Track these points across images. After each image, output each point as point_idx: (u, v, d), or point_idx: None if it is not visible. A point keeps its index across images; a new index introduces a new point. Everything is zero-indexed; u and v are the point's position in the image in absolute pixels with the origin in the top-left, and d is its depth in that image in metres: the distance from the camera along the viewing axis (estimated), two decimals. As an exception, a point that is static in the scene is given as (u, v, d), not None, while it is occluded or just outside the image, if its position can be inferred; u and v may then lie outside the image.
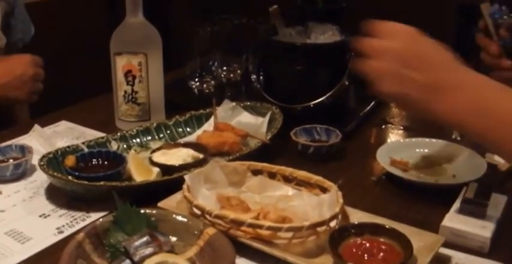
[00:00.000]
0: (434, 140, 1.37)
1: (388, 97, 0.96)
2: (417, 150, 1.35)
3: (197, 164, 1.23)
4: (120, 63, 1.44)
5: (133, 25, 1.44)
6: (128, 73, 1.44)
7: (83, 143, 1.29)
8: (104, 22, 1.67)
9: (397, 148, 1.34)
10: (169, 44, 1.53)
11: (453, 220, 1.07)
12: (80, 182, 1.14)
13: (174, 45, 1.51)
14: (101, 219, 1.00)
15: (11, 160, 1.27)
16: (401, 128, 1.54)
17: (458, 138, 1.46)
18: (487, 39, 1.29)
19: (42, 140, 1.39)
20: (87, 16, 2.62)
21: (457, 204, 1.11)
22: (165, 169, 1.21)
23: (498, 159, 1.32)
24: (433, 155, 1.34)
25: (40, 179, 1.25)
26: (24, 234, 1.07)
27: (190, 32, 1.66)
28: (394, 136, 1.52)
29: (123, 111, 1.48)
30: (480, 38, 1.31)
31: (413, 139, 1.39)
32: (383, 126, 1.55)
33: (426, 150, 1.35)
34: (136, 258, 0.91)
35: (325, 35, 1.49)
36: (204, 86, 1.67)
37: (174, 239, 0.99)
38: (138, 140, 1.37)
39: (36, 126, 1.44)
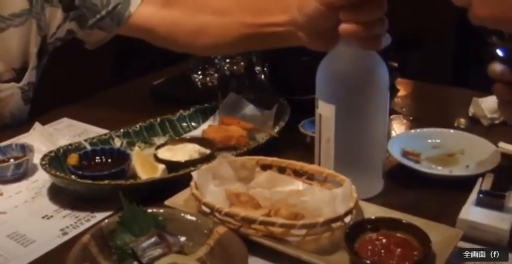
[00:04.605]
0: (445, 130, 1.34)
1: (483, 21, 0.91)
2: (429, 140, 1.32)
3: (204, 159, 1.20)
4: None
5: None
6: None
7: (85, 141, 1.26)
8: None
9: (408, 139, 1.31)
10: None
11: (470, 213, 1.03)
12: (84, 181, 1.11)
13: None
14: (106, 220, 0.97)
15: (12, 160, 1.23)
16: (411, 118, 1.51)
17: (462, 126, 1.43)
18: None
19: (43, 138, 1.35)
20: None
21: (473, 196, 1.07)
22: (171, 165, 1.18)
23: (512, 149, 1.29)
24: (445, 145, 1.30)
25: (42, 178, 1.21)
26: (27, 237, 1.04)
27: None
28: (403, 127, 1.48)
29: None
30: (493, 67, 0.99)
31: (424, 129, 1.35)
32: (391, 117, 1.52)
33: (438, 141, 1.32)
34: (144, 261, 0.88)
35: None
36: (208, 79, 1.63)
37: (183, 238, 0.95)
38: (141, 136, 1.33)
39: (37, 124, 1.41)
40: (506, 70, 0.97)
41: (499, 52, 0.98)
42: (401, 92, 1.69)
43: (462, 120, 1.46)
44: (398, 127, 1.48)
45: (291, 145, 1.31)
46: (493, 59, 0.99)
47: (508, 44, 0.98)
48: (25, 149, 1.26)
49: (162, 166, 1.17)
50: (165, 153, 1.23)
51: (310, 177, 1.12)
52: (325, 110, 1.08)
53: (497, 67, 0.97)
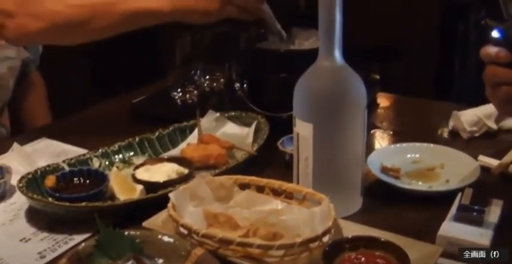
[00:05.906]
0: (425, 144, 1.34)
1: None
2: (408, 155, 1.32)
3: (182, 179, 1.19)
4: None
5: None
6: None
7: (64, 162, 1.25)
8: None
9: (387, 154, 1.31)
10: (154, 56, 1.49)
11: (450, 229, 1.03)
12: (61, 203, 1.10)
13: (158, 56, 1.47)
14: (83, 244, 0.96)
15: (-11, 182, 1.22)
16: (391, 132, 1.51)
17: (446, 136, 1.44)
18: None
19: (21, 159, 1.34)
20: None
21: (452, 212, 1.07)
22: (149, 186, 1.17)
23: (491, 162, 1.28)
24: (425, 160, 1.30)
25: (20, 200, 1.20)
26: (5, 261, 1.03)
27: (171, 42, 1.62)
28: (383, 141, 1.48)
29: None
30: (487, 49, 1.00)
31: (404, 144, 1.35)
32: (371, 131, 1.51)
33: (417, 155, 1.32)
34: (121, 285, 0.88)
35: (310, 41, 1.45)
36: (187, 96, 1.63)
37: (160, 261, 0.95)
38: (120, 155, 1.32)
39: (16, 145, 1.40)
40: (502, 51, 0.98)
41: (495, 33, 0.99)
42: (382, 106, 1.70)
43: (446, 130, 1.47)
44: (378, 141, 1.47)
45: (270, 163, 1.31)
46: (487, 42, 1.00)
47: (506, 24, 0.99)
48: (3, 170, 1.25)
49: (140, 187, 1.16)
50: (143, 174, 1.22)
51: (288, 196, 1.11)
52: (302, 129, 1.08)
53: (491, 49, 0.99)
